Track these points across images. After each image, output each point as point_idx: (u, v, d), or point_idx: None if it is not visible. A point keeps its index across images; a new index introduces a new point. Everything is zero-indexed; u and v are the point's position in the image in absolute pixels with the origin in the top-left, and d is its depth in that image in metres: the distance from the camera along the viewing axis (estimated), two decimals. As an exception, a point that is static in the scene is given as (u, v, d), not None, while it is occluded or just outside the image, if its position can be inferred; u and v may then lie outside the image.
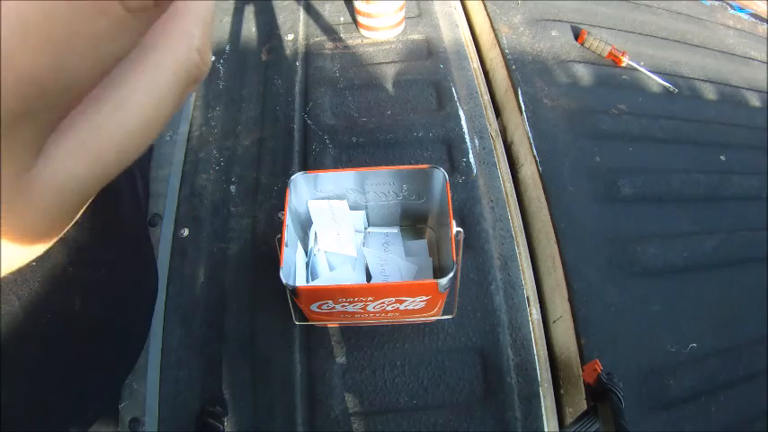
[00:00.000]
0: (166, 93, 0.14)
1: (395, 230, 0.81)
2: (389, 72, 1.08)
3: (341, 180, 0.70)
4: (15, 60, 0.09)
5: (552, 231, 0.84)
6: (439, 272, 0.75)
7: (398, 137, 0.97)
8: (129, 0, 0.10)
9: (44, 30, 0.10)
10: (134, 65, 0.13)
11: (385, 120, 1.00)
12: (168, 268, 0.86)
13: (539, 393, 0.72)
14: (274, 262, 0.64)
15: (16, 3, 0.09)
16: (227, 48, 1.17)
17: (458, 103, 1.01)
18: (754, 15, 1.40)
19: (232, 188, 0.94)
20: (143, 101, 0.14)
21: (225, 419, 0.72)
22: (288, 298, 0.67)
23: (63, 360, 0.47)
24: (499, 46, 1.10)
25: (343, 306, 0.63)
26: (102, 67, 0.12)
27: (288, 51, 1.14)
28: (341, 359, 0.75)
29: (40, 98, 0.11)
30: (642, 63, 1.11)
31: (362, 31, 1.14)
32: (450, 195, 0.64)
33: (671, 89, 1.09)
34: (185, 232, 0.89)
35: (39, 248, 0.14)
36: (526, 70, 1.05)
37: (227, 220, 0.90)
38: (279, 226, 0.63)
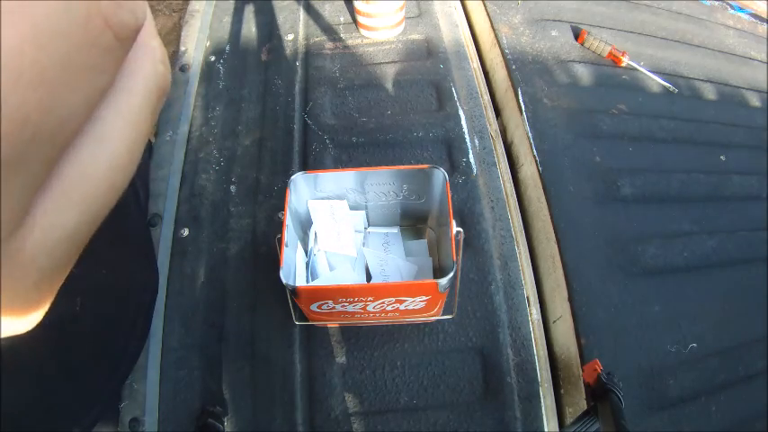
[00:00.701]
0: (143, 114, 0.14)
1: (395, 230, 0.81)
2: (389, 72, 1.08)
3: (341, 180, 0.70)
4: (9, 102, 0.08)
5: (552, 231, 0.84)
6: (439, 272, 0.75)
7: (398, 137, 0.97)
8: (120, 28, 0.10)
9: (38, 64, 0.09)
10: (106, 96, 0.12)
11: (385, 120, 1.00)
12: (168, 268, 0.86)
13: (539, 393, 0.72)
14: (274, 262, 0.64)
15: (7, 36, 0.08)
16: (227, 48, 1.17)
17: (458, 103, 1.01)
18: (754, 15, 1.40)
19: (232, 188, 0.94)
20: (124, 130, 0.13)
21: (225, 419, 0.72)
22: (288, 298, 0.67)
23: (65, 360, 0.47)
24: (499, 46, 1.10)
25: (343, 306, 0.63)
26: (90, 102, 0.11)
27: (288, 51, 1.14)
28: (341, 359, 0.75)
29: (32, 143, 0.09)
30: (642, 63, 1.11)
31: (362, 31, 1.14)
32: (450, 195, 0.64)
33: (671, 89, 1.09)
34: (185, 232, 0.89)
35: (39, 313, 0.13)
36: (526, 70, 1.05)
37: (227, 220, 0.90)
38: (279, 226, 0.63)
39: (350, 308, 0.64)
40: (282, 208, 0.64)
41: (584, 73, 1.08)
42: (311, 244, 0.77)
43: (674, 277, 0.83)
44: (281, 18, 1.22)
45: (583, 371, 0.68)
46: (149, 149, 0.96)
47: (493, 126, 1.01)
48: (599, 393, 0.60)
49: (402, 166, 0.68)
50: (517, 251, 0.84)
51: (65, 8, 0.09)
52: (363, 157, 0.95)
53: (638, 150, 0.97)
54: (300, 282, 0.70)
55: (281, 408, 0.72)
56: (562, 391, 0.75)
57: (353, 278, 0.75)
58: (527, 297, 0.80)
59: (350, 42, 1.14)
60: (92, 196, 0.12)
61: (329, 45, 1.14)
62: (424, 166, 0.67)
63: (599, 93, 1.05)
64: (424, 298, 0.63)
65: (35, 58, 0.09)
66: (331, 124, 1.00)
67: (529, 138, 0.95)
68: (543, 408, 0.71)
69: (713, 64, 1.19)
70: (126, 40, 0.10)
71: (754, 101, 1.16)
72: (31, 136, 0.09)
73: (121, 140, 0.13)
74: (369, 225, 0.81)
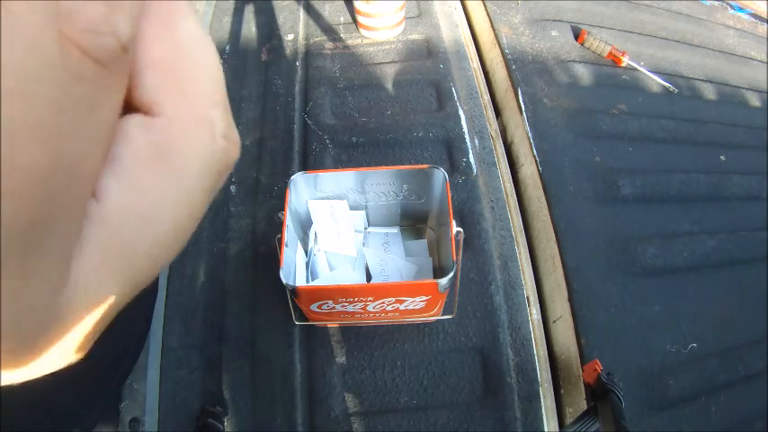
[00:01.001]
0: (198, 194, 0.13)
1: (395, 230, 0.81)
2: (389, 72, 1.08)
3: (341, 180, 0.70)
4: (17, 161, 0.08)
5: (552, 231, 0.84)
6: (439, 272, 0.75)
7: (398, 137, 0.97)
8: (100, 53, 0.09)
9: (32, 114, 0.08)
10: (156, 172, 0.12)
11: (385, 120, 1.00)
12: (168, 268, 0.85)
13: (539, 393, 0.72)
14: (274, 262, 0.64)
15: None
16: (227, 48, 1.17)
17: (458, 103, 1.01)
18: (754, 15, 1.40)
19: (232, 188, 0.94)
20: (173, 210, 0.13)
21: (225, 419, 0.72)
22: (288, 298, 0.67)
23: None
24: (499, 46, 1.10)
25: (343, 306, 0.63)
26: (98, 139, 0.10)
27: (288, 51, 1.14)
28: (341, 359, 0.75)
29: (50, 197, 0.09)
30: (642, 63, 1.11)
31: (362, 31, 1.14)
32: (450, 195, 0.64)
33: (671, 89, 1.09)
34: (185, 232, 0.89)
35: (82, 354, 0.14)
36: (526, 70, 1.05)
37: (227, 220, 0.90)
38: (279, 226, 0.63)
39: (350, 308, 0.64)
40: (282, 208, 0.64)
41: (584, 73, 1.08)
42: (311, 244, 0.77)
43: (674, 277, 0.83)
44: (281, 18, 1.21)
45: (583, 371, 0.68)
46: None
47: (493, 126, 1.01)
48: (599, 393, 0.60)
49: (402, 166, 0.68)
50: (517, 251, 0.84)
51: (33, 54, 0.08)
52: (363, 157, 0.95)
53: (638, 150, 0.97)
54: (300, 282, 0.70)
55: (281, 408, 0.72)
56: (562, 391, 0.75)
57: (353, 278, 0.75)
58: (527, 297, 0.80)
59: (350, 42, 1.14)
60: (136, 269, 0.13)
61: (329, 45, 1.14)
62: (424, 166, 0.67)
63: (599, 93, 1.05)
64: (424, 298, 0.63)
65: (26, 108, 0.08)
66: (331, 124, 1.00)
67: (529, 138, 0.95)
68: (543, 408, 0.71)
69: (713, 64, 1.19)
70: (109, 61, 0.09)
71: (754, 101, 1.16)
72: (46, 190, 0.09)
73: (170, 220, 0.13)
74: (369, 225, 0.81)
